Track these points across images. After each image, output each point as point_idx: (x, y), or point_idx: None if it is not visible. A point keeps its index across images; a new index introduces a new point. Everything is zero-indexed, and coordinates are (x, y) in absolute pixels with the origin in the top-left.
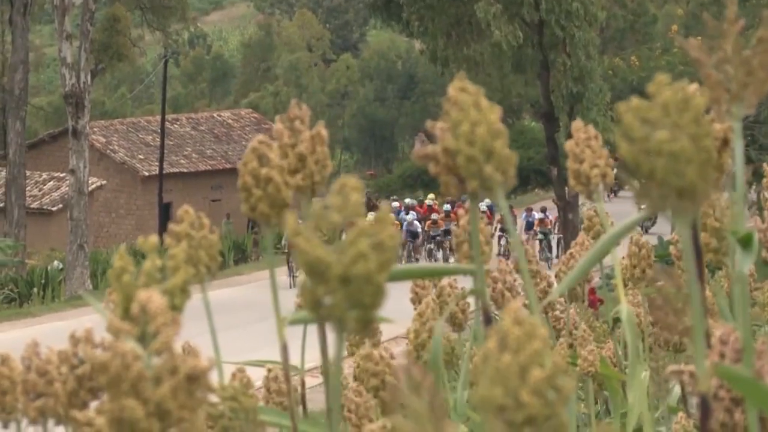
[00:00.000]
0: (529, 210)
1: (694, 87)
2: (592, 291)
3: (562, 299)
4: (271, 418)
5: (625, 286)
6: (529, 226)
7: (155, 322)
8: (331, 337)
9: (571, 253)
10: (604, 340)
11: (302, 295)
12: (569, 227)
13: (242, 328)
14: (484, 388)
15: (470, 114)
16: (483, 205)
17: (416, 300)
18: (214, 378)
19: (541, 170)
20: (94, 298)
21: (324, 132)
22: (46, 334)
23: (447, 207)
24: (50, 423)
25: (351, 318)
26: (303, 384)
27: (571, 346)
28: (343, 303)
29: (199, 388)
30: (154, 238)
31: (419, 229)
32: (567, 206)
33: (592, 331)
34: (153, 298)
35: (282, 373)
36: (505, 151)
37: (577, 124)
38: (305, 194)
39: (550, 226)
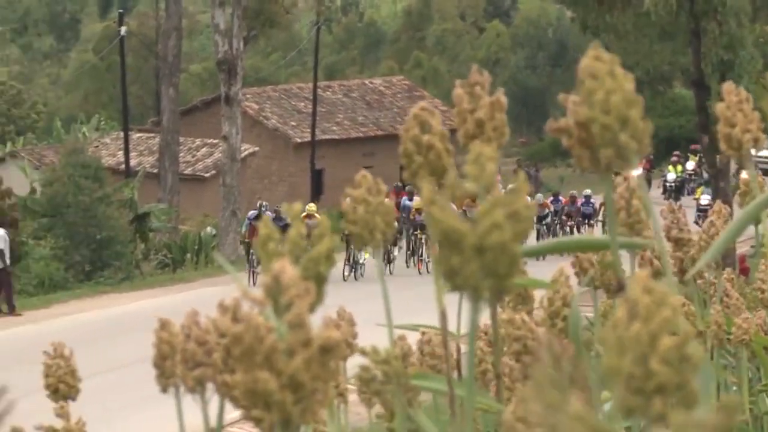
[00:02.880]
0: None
1: None
2: (743, 259)
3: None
4: (426, 384)
5: None
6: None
7: (288, 293)
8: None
9: (711, 221)
10: (754, 308)
11: (438, 265)
12: (720, 195)
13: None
14: (613, 356)
15: (605, 82)
16: None
17: (576, 264)
18: (377, 342)
19: (692, 138)
20: (231, 265)
21: (503, 99)
22: (199, 299)
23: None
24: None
25: (486, 287)
26: (458, 349)
27: (727, 307)
28: (477, 273)
29: (332, 360)
30: (298, 205)
31: None
32: (718, 174)
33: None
34: (286, 268)
35: (436, 337)
36: (639, 119)
37: (729, 86)
38: None
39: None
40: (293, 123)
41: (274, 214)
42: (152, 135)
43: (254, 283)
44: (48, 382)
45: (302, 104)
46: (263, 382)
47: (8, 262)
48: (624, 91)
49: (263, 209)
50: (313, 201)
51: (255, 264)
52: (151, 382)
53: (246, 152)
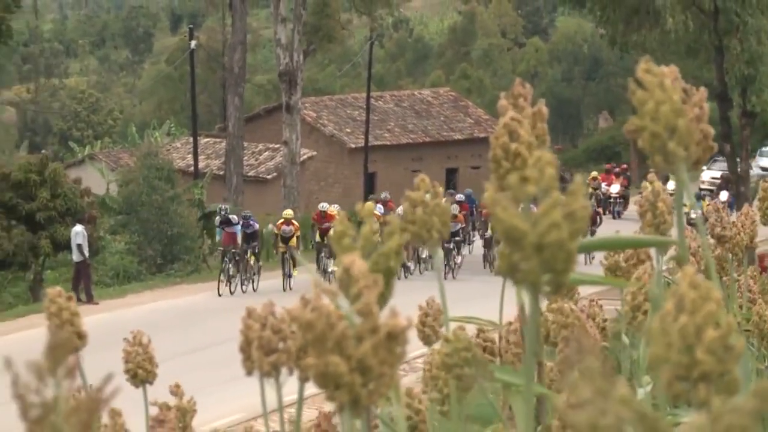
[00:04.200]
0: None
1: None
2: (762, 257)
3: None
4: (504, 377)
5: None
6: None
7: (358, 284)
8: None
9: (733, 222)
10: None
11: (500, 260)
12: (741, 199)
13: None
14: (661, 347)
15: (655, 93)
16: (461, 195)
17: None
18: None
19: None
20: (304, 258)
21: (545, 109)
22: (262, 291)
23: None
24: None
25: (544, 282)
26: (500, 338)
27: (752, 301)
28: (537, 268)
29: (398, 345)
30: (370, 205)
31: None
32: (739, 180)
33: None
34: (356, 262)
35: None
36: (688, 128)
37: None
38: None
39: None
40: (348, 130)
41: (242, 221)
42: (219, 140)
43: (231, 292)
44: (127, 368)
45: (356, 113)
46: (334, 366)
47: (87, 255)
48: (673, 101)
49: (223, 212)
50: (366, 201)
51: (230, 272)
52: (222, 364)
53: (305, 156)
